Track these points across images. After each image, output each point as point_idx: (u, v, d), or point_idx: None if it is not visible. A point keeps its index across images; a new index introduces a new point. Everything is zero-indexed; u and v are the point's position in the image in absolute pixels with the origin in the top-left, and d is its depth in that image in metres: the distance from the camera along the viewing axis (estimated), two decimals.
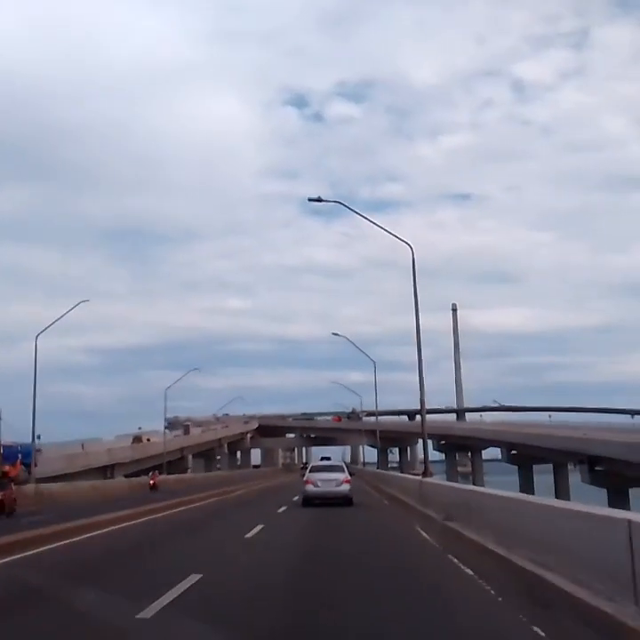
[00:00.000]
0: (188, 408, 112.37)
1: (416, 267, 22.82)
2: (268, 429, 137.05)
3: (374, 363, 50.81)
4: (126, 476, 57.38)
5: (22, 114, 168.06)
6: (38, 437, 39.94)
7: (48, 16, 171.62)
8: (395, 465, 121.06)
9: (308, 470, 26.24)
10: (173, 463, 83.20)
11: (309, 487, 24.28)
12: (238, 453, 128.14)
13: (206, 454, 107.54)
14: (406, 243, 22.95)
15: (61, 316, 39.44)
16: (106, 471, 60.12)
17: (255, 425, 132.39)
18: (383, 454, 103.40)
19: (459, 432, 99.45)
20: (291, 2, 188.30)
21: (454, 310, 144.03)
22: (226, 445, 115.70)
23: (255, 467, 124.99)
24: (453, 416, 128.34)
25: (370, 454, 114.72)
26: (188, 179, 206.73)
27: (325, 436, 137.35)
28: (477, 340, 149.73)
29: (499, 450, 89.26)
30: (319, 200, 24.59)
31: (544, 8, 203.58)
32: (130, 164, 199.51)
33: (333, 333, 53.57)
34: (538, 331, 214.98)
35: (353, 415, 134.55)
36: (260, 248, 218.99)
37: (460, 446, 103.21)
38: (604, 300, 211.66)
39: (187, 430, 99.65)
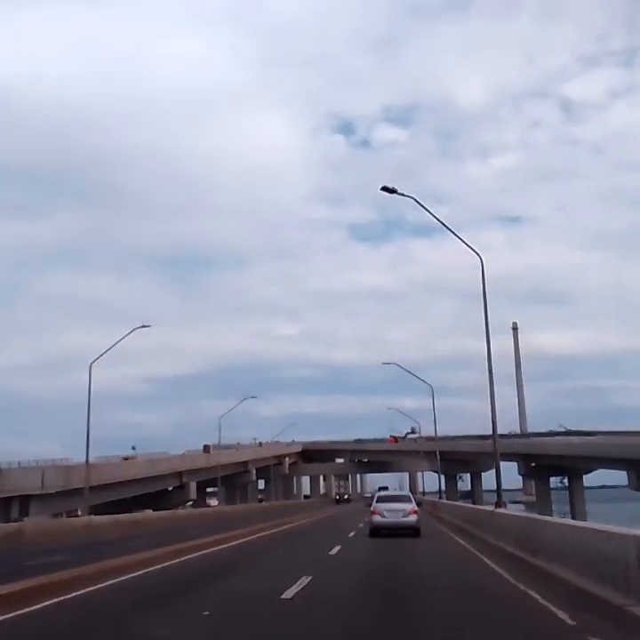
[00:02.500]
0: (238, 436, 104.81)
1: (485, 279, 22.11)
2: (313, 454, 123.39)
3: (431, 387, 46.76)
4: None
5: (73, 143, 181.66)
6: None
7: (97, 44, 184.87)
8: (465, 494, 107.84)
9: (374, 500, 26.58)
10: (168, 494, 73.33)
11: (376, 517, 24.96)
12: (263, 482, 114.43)
13: (229, 482, 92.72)
14: (476, 252, 21.75)
15: (115, 343, 39.84)
16: None
17: (297, 448, 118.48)
18: (450, 481, 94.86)
19: (554, 450, 71.80)
20: (337, 26, 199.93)
21: (515, 328, 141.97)
22: (254, 471, 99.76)
23: (306, 497, 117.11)
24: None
25: (433, 482, 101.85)
26: (237, 204, 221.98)
27: (379, 461, 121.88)
28: (529, 362, 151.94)
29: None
30: (393, 191, 21.97)
31: (593, 26, 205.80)
32: (179, 189, 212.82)
33: (384, 363, 49.09)
34: (592, 353, 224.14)
35: (412, 435, 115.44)
36: (308, 273, 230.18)
37: (556, 468, 75.59)
38: None
39: (206, 450, 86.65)
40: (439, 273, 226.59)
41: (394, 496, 28.56)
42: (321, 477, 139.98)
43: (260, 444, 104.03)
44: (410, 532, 23.91)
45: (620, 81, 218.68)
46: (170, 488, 72.90)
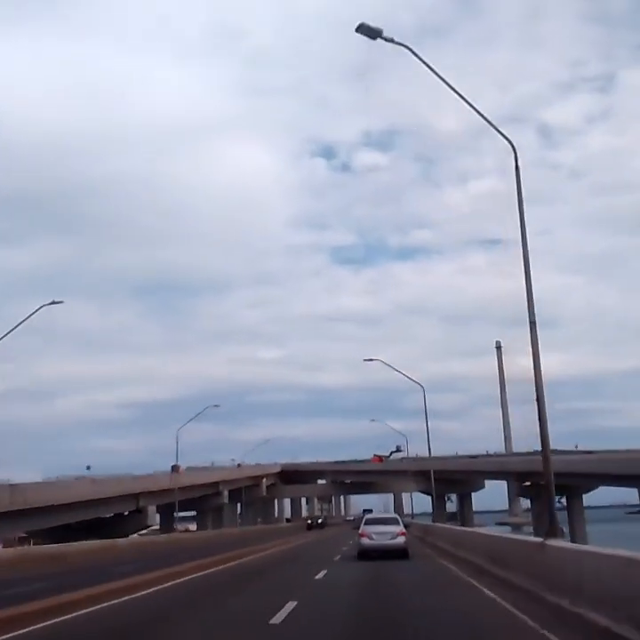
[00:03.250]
0: (219, 460, 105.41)
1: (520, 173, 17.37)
2: (293, 475, 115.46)
3: (423, 387, 41.63)
4: None
5: (51, 170, 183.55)
6: None
7: (75, 74, 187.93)
8: (450, 516, 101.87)
9: (362, 523, 27.13)
10: (123, 520, 67.14)
11: (365, 540, 25.36)
12: (238, 506, 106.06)
13: (199, 506, 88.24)
14: (508, 139, 16.85)
15: (21, 322, 34.44)
16: None
17: (276, 469, 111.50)
18: (439, 502, 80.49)
19: (560, 466, 62.86)
20: (314, 55, 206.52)
21: (498, 348, 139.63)
22: (226, 493, 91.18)
23: (288, 520, 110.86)
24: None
25: (419, 503, 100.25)
26: (218, 230, 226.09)
27: (363, 482, 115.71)
28: (514, 385, 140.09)
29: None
30: (377, 35, 17.59)
31: (568, 53, 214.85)
32: (159, 216, 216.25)
33: (365, 360, 43.13)
34: (574, 375, 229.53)
35: (397, 453, 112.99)
36: (290, 298, 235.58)
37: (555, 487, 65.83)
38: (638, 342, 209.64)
39: (175, 470, 77.81)
40: (422, 295, 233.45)
41: (382, 518, 28.59)
42: (303, 500, 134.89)
43: (239, 466, 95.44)
44: (398, 554, 24.26)
45: (596, 106, 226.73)
46: (125, 513, 64.19)
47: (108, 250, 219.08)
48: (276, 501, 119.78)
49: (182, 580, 19.05)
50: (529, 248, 15.93)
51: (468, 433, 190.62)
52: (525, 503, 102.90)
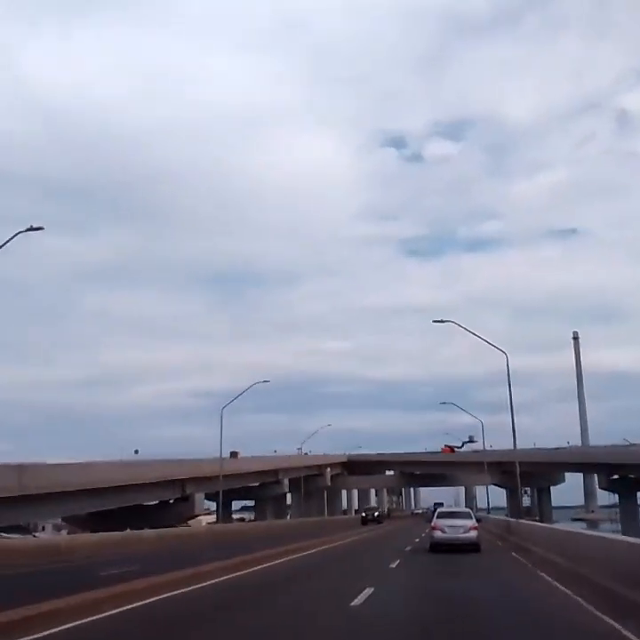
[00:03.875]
0: (283, 450, 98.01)
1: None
2: (359, 466, 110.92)
3: (506, 354, 35.59)
4: None
5: (119, 160, 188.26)
6: None
7: (147, 63, 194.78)
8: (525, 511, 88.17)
9: (434, 516, 28.55)
10: (169, 506, 62.87)
11: (437, 533, 26.17)
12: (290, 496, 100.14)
13: (258, 495, 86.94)
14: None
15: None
16: None
17: (342, 459, 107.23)
18: (513, 496, 78.07)
19: None
20: (382, 45, 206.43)
21: (576, 339, 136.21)
22: (286, 482, 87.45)
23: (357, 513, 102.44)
24: None
25: (492, 497, 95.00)
26: (285, 221, 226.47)
27: (433, 474, 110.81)
28: (588, 379, 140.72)
29: None
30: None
31: None
32: (227, 207, 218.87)
33: (435, 321, 40.15)
34: None
35: (470, 444, 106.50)
36: (358, 289, 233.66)
37: None
38: None
39: (233, 456, 75.65)
40: (492, 286, 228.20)
41: (454, 512, 30.09)
42: (373, 492, 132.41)
43: (306, 455, 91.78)
44: (470, 547, 25.02)
45: None
46: (170, 500, 60.66)
47: (175, 239, 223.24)
48: (343, 492, 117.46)
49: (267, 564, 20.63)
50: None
51: (541, 428, 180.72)
52: (602, 498, 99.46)
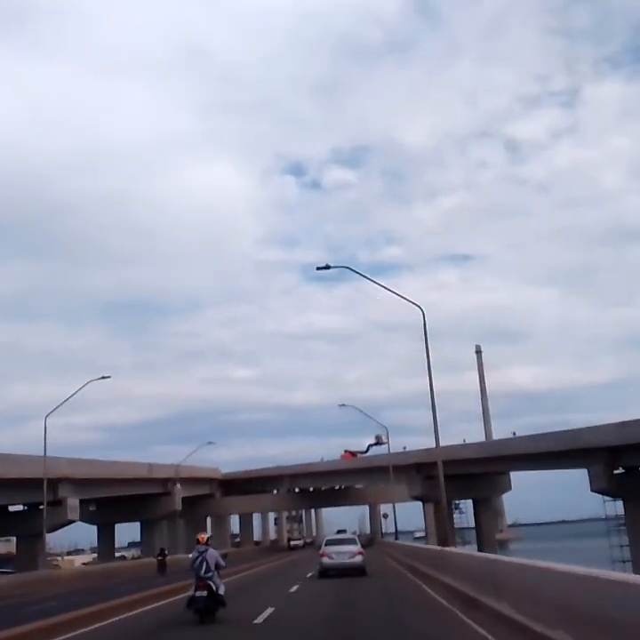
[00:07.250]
0: None
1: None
2: (238, 484, 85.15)
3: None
4: None
5: (19, 190, 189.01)
6: None
7: (44, 95, 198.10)
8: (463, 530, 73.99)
9: (323, 544, 32.12)
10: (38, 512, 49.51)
11: (325, 559, 29.18)
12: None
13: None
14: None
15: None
16: None
17: (215, 475, 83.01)
18: (439, 514, 48.38)
19: None
20: (281, 72, 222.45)
21: (478, 352, 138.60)
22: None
23: (257, 543, 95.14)
24: None
25: (412, 517, 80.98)
26: (188, 249, 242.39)
27: (333, 490, 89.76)
28: (494, 399, 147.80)
29: None
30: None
31: (533, 67, 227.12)
32: (128, 236, 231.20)
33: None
34: (549, 388, 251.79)
35: (377, 445, 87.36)
36: (262, 316, 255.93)
37: None
38: (610, 354, 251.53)
39: None
40: (394, 311, 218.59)
41: (341, 539, 33.40)
42: (271, 518, 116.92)
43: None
44: (356, 571, 28.76)
45: (562, 120, 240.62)
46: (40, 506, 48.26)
47: (77, 270, 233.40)
48: (208, 520, 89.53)
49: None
50: None
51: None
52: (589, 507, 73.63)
